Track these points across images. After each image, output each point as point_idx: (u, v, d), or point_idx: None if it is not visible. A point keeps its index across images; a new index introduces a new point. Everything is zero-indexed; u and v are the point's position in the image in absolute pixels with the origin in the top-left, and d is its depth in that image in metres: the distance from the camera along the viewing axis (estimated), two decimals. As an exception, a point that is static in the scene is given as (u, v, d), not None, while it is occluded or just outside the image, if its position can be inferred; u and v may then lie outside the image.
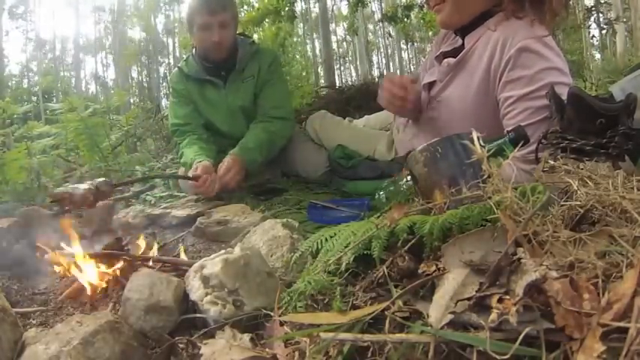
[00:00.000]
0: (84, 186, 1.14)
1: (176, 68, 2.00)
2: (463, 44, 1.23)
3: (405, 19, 6.14)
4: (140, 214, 1.36)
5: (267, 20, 5.45)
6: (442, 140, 0.81)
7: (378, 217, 0.77)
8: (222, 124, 1.92)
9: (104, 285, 0.89)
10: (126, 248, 1.03)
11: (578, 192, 0.58)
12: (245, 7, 5.77)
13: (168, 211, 1.37)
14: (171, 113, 1.95)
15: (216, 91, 1.89)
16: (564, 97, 0.89)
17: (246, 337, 0.62)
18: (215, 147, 1.80)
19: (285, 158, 1.97)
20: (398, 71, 20.57)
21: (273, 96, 1.87)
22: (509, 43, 1.06)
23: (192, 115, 1.88)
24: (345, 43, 22.40)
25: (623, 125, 0.80)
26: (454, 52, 1.25)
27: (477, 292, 0.48)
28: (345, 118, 2.06)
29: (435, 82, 1.32)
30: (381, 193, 1.15)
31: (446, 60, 1.26)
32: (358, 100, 4.21)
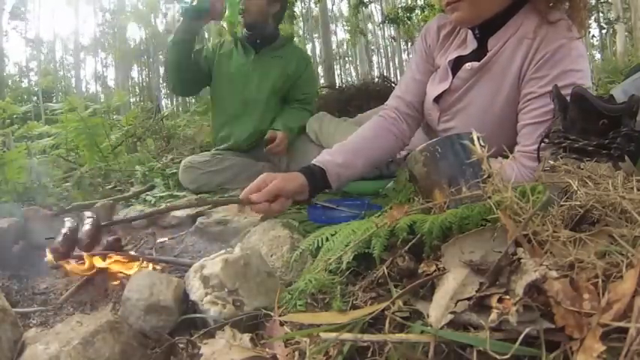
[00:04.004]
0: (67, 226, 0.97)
1: None
2: (484, 46, 1.14)
3: (407, 21, 6.14)
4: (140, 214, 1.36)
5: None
6: (442, 140, 0.81)
7: (378, 216, 0.77)
8: (231, 84, 2.04)
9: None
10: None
11: (578, 192, 0.58)
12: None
13: (169, 211, 1.37)
14: None
15: (245, 54, 2.05)
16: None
17: (246, 337, 0.62)
18: None
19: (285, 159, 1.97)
20: (398, 71, 20.55)
21: (308, 89, 2.16)
22: (544, 43, 1.04)
23: None
24: (345, 43, 22.40)
25: (626, 126, 0.80)
26: (473, 56, 1.16)
27: (477, 292, 0.48)
28: (340, 118, 2.07)
29: (446, 91, 1.21)
30: (389, 185, 1.18)
31: (469, 64, 1.15)
32: (358, 100, 4.21)
